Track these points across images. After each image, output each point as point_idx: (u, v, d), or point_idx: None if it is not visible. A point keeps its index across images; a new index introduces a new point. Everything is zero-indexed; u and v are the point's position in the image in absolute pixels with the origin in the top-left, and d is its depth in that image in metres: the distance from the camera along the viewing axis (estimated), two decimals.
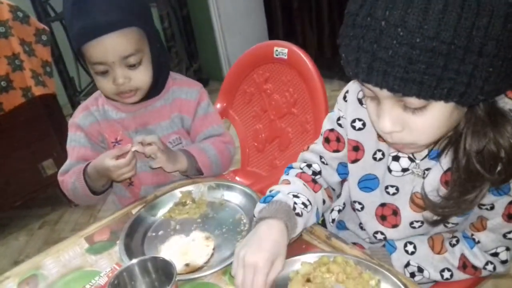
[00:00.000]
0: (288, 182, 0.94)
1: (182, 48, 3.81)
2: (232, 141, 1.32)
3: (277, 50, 1.56)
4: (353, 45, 0.63)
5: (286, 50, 1.53)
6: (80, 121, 1.23)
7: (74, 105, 3.44)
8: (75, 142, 1.23)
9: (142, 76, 1.12)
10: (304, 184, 0.95)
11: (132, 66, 1.09)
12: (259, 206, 0.88)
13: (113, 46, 1.05)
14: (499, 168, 0.72)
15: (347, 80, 0.94)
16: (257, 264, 0.75)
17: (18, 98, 2.08)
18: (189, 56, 3.88)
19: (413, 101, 0.64)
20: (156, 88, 1.20)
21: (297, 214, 0.86)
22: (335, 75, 3.29)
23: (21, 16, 2.02)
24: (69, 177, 1.19)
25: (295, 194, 0.89)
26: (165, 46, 1.19)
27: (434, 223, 0.86)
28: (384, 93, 0.65)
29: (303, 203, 0.89)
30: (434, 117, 0.67)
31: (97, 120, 1.23)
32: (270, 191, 0.92)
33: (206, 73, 3.91)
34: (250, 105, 1.71)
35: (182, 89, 1.26)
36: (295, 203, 0.87)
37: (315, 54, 3.38)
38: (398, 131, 0.70)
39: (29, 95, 2.10)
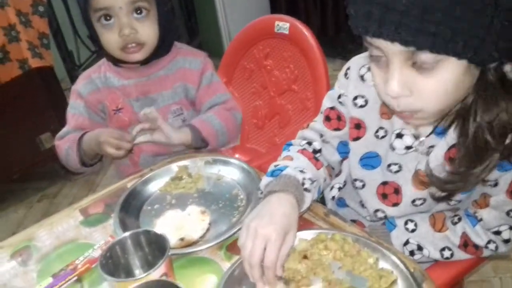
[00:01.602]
0: (291, 158, 0.92)
1: (182, 24, 3.75)
2: (237, 107, 1.31)
3: (278, 25, 1.52)
4: None
5: (287, 25, 1.49)
6: (81, 89, 1.23)
7: (73, 79, 3.40)
8: (74, 109, 1.24)
9: (148, 30, 1.12)
10: (308, 160, 0.92)
11: (138, 14, 1.09)
12: (266, 179, 0.86)
13: None
14: (508, 140, 0.70)
15: (349, 59, 0.92)
16: (269, 237, 0.73)
17: (14, 70, 2.05)
18: (189, 31, 3.82)
19: (425, 57, 0.62)
20: (161, 49, 1.19)
21: (306, 190, 0.84)
22: (337, 55, 3.25)
23: None
24: (63, 143, 1.20)
25: (301, 169, 0.87)
26: (172, 12, 1.19)
27: (439, 199, 0.84)
28: (395, 48, 0.62)
29: (310, 179, 0.87)
30: (444, 79, 0.64)
31: (98, 87, 1.22)
32: (276, 166, 0.89)
33: (207, 49, 3.84)
34: (249, 81, 1.67)
35: (186, 58, 1.25)
36: (303, 178, 0.85)
37: (317, 33, 3.33)
38: (406, 95, 0.67)
39: (26, 67, 2.07)
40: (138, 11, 1.09)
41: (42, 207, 2.42)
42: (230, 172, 1.05)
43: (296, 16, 1.54)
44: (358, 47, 0.91)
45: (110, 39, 1.11)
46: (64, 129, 1.24)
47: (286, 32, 1.51)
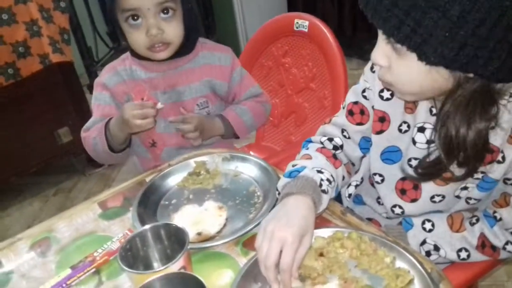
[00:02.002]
0: (309, 157, 0.92)
1: (200, 21, 3.76)
2: (268, 100, 1.38)
3: (297, 23, 1.52)
4: None
5: (307, 23, 1.50)
6: (106, 80, 1.23)
7: (91, 75, 3.43)
8: (100, 101, 1.24)
9: (174, 30, 1.13)
10: (327, 160, 0.93)
11: (165, 14, 1.10)
12: (284, 180, 0.86)
13: None
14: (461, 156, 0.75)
15: (366, 59, 0.92)
16: (286, 239, 0.73)
17: (35, 64, 2.08)
18: (207, 29, 3.83)
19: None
20: (186, 47, 1.20)
21: (323, 191, 0.84)
22: (354, 54, 3.24)
23: None
24: (90, 134, 1.20)
25: (319, 169, 0.87)
26: (196, 10, 1.21)
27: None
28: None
29: (328, 179, 0.87)
30: (409, 66, 0.69)
31: (124, 80, 1.23)
32: (294, 166, 0.89)
33: None
34: (267, 79, 1.68)
35: (214, 54, 1.26)
36: (321, 179, 0.85)
37: (334, 32, 3.31)
38: (384, 65, 0.74)
39: (47, 62, 2.10)
40: (165, 11, 1.10)
41: (58, 201, 2.45)
42: (248, 168, 1.06)
43: (313, 15, 1.54)
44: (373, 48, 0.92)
45: (137, 38, 1.12)
46: (91, 120, 1.23)
47: (305, 30, 1.51)
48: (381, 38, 0.72)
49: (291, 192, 0.82)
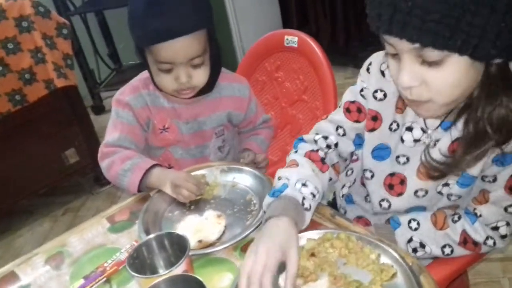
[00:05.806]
0: (296, 164, 0.94)
1: (222, 57, 3.83)
2: (274, 123, 1.51)
3: (287, 39, 1.60)
4: (376, 1, 0.70)
5: (296, 39, 1.57)
6: (131, 101, 1.22)
7: (94, 97, 3.54)
8: (123, 118, 1.22)
9: (202, 76, 1.17)
10: (313, 164, 0.95)
11: (195, 66, 1.14)
12: (268, 199, 0.89)
13: (184, 48, 1.08)
14: (504, 131, 0.77)
15: (361, 67, 0.98)
16: (268, 250, 0.75)
17: (41, 90, 2.16)
18: None
19: (431, 53, 0.69)
20: (209, 86, 1.24)
21: (306, 209, 0.87)
22: (349, 63, 3.30)
23: (42, 11, 2.11)
24: (121, 161, 1.15)
25: (303, 182, 0.89)
26: (219, 51, 1.23)
27: (433, 178, 0.90)
28: (404, 45, 0.70)
29: (312, 193, 0.89)
30: (450, 73, 0.71)
31: (147, 104, 1.23)
32: (279, 178, 0.91)
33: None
34: (262, 93, 1.75)
35: (233, 85, 1.30)
36: (303, 198, 0.87)
37: (328, 42, 3.39)
38: (416, 85, 0.74)
39: (52, 87, 2.17)
40: (195, 62, 1.13)
41: (67, 220, 2.51)
42: (244, 179, 1.13)
43: (307, 27, 1.62)
44: (369, 55, 0.98)
45: (165, 82, 1.15)
46: (115, 136, 1.20)
47: (295, 45, 1.58)
48: (407, 59, 0.73)
49: (272, 215, 0.83)
